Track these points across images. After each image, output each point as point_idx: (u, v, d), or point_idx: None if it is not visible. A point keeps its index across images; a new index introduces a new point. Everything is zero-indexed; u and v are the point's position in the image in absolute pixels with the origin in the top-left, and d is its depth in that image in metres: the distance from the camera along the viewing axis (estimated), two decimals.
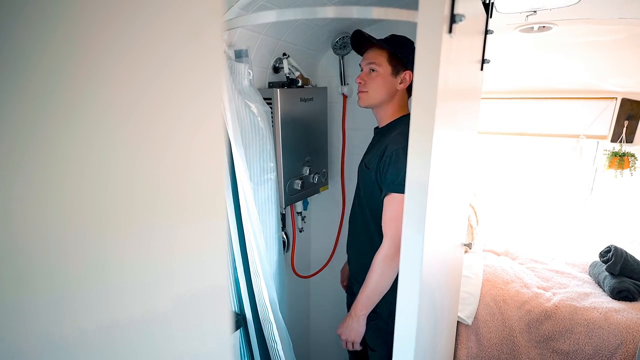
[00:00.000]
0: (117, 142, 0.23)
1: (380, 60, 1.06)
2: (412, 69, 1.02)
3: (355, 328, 1.08)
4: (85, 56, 0.21)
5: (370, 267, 1.04)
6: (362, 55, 1.14)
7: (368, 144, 1.24)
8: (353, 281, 1.30)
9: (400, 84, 1.08)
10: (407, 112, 1.12)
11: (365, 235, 1.19)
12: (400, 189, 0.98)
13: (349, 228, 1.30)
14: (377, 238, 1.13)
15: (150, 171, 0.26)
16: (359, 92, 1.11)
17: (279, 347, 1.19)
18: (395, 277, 1.02)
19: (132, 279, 0.26)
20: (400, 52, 1.05)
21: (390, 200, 1.02)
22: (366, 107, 1.13)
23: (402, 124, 1.09)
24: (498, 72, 2.40)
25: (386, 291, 1.04)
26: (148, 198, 0.26)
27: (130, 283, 0.26)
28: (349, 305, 1.37)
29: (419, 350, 0.78)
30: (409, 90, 1.10)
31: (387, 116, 1.13)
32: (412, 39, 1.07)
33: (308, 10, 0.80)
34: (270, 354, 1.23)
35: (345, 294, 1.43)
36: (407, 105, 1.13)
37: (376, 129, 1.22)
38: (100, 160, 0.22)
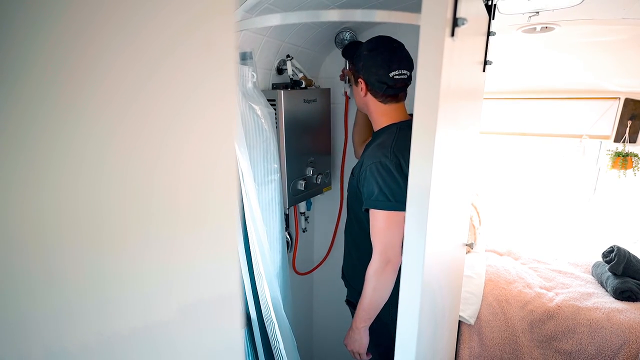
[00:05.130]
0: (132, 149, 0.24)
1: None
2: (363, 76, 1.02)
3: (357, 340, 1.09)
4: (96, 59, 0.21)
5: (364, 281, 1.05)
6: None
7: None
8: (345, 283, 1.32)
9: (361, 92, 1.06)
10: (394, 122, 1.07)
11: (350, 237, 1.21)
12: (376, 205, 0.98)
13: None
14: (360, 241, 1.14)
15: (164, 177, 0.26)
16: None
17: (281, 346, 1.20)
18: (390, 288, 1.03)
19: (142, 285, 0.26)
20: (353, 59, 1.06)
21: (372, 215, 1.01)
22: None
23: (385, 133, 1.06)
24: (501, 73, 2.40)
25: (384, 302, 1.04)
26: (158, 203, 0.26)
27: (140, 290, 0.26)
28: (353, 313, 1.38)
29: (420, 351, 0.79)
30: (381, 99, 1.04)
31: (375, 124, 1.11)
32: (410, 43, 1.04)
33: (312, 14, 0.81)
34: (274, 352, 1.25)
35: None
36: (391, 114, 1.07)
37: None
38: (115, 166, 0.23)
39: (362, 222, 1.09)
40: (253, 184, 1.05)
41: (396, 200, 0.96)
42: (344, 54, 1.11)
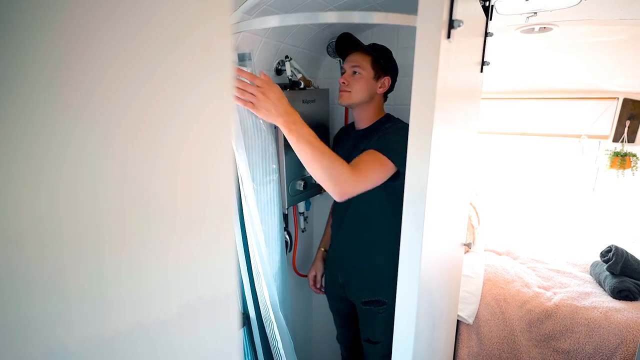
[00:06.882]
0: (130, 150, 0.24)
1: (364, 64, 1.14)
2: (391, 76, 1.16)
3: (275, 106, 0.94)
4: (94, 60, 0.21)
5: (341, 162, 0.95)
6: (342, 57, 1.23)
7: None
8: (344, 287, 1.30)
9: (379, 88, 1.17)
10: (385, 114, 1.22)
11: (360, 242, 1.21)
12: (384, 151, 0.98)
13: (337, 235, 1.30)
14: (377, 239, 1.15)
15: (161, 178, 0.27)
16: (340, 90, 1.17)
17: (280, 345, 1.21)
18: (322, 179, 0.94)
19: (140, 285, 0.26)
20: (383, 59, 1.15)
21: (371, 154, 1.00)
22: (346, 106, 1.21)
23: (388, 121, 1.18)
24: (500, 73, 2.41)
25: (309, 165, 0.96)
26: (156, 204, 0.26)
27: (137, 290, 0.26)
28: (338, 311, 1.41)
29: (418, 350, 0.79)
30: (385, 94, 1.22)
31: (369, 117, 1.21)
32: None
33: (310, 15, 0.82)
34: (272, 352, 1.25)
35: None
36: (383, 108, 1.24)
37: (353, 130, 1.27)
38: (113, 167, 0.23)
39: (376, 218, 1.15)
40: (251, 185, 1.06)
41: (400, 162, 0.95)
42: (371, 49, 1.14)
